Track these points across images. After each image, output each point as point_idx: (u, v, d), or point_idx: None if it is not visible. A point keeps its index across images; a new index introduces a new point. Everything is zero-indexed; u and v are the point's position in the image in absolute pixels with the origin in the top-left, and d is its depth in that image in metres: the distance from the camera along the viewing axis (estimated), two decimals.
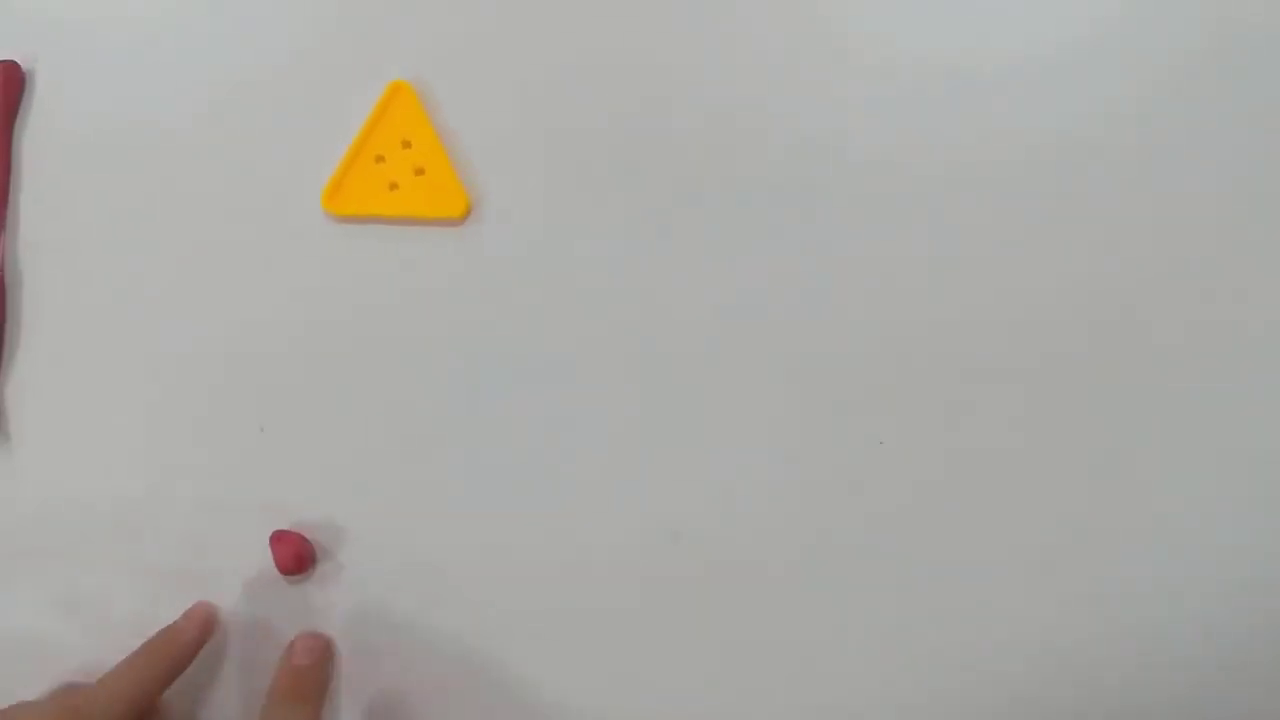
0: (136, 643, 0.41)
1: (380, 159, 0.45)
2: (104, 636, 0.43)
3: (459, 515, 0.43)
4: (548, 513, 0.42)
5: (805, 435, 0.42)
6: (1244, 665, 0.39)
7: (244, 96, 0.47)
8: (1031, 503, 0.40)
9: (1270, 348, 0.40)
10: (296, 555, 0.42)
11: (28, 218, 0.48)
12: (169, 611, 0.43)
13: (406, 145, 0.45)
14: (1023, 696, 0.40)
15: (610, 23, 0.45)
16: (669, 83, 0.45)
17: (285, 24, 0.47)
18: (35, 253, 0.47)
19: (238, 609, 0.43)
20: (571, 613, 0.42)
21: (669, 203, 0.44)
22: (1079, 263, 0.41)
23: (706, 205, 0.44)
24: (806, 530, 0.41)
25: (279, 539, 0.43)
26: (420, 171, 0.45)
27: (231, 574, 0.44)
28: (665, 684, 0.41)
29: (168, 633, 0.42)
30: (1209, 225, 0.41)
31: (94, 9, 0.48)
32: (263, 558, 0.43)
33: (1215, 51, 0.42)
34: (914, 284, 0.42)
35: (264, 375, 0.45)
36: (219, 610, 0.43)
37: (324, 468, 0.44)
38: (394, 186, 0.45)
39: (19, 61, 0.48)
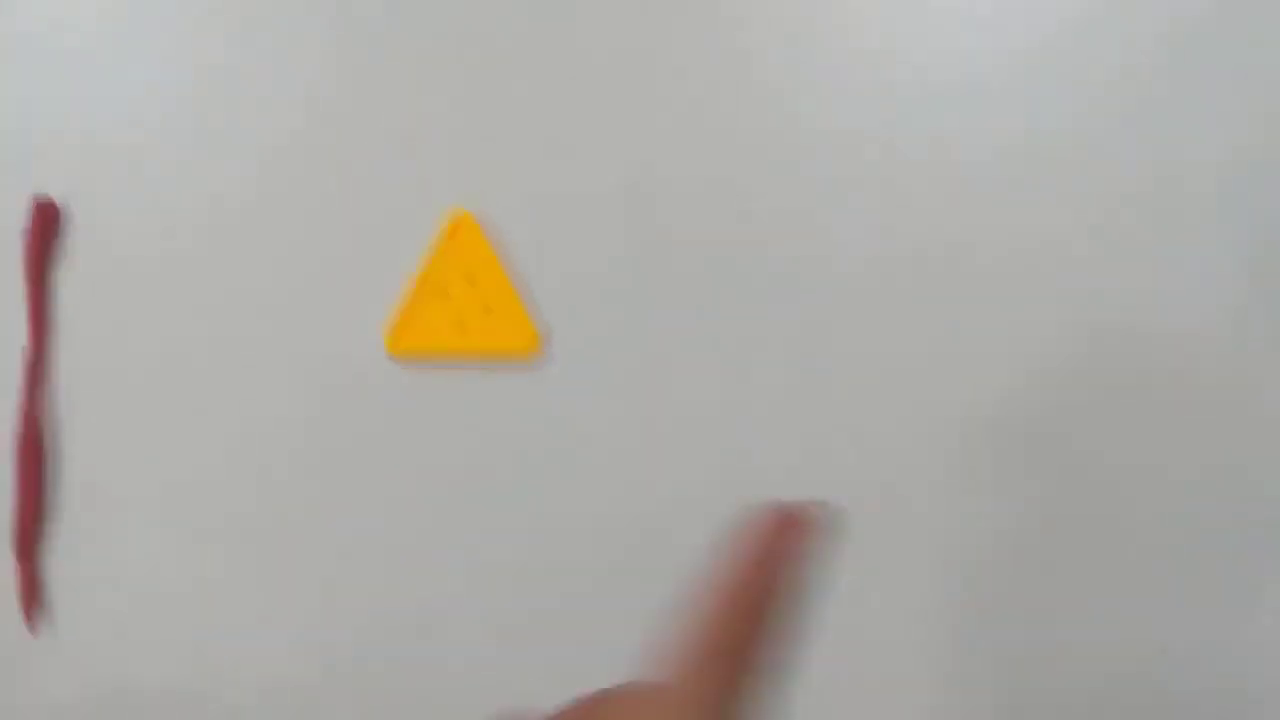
0: None
1: (444, 295, 0.43)
2: None
3: (515, 648, 0.41)
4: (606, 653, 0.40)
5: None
6: None
7: (294, 232, 0.44)
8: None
9: None
10: None
11: (66, 368, 0.44)
12: None
13: (471, 280, 0.43)
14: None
15: (674, 150, 0.43)
16: (743, 211, 0.43)
17: (333, 163, 0.44)
18: (75, 408, 0.44)
19: None
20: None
21: (740, 336, 0.42)
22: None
23: (783, 340, 0.42)
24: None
25: None
26: (488, 308, 0.43)
27: None
28: None
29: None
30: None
31: (134, 137, 0.45)
32: None
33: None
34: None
35: (330, 533, 0.43)
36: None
37: (394, 621, 0.42)
38: (460, 324, 0.43)
39: (54, 197, 0.44)
